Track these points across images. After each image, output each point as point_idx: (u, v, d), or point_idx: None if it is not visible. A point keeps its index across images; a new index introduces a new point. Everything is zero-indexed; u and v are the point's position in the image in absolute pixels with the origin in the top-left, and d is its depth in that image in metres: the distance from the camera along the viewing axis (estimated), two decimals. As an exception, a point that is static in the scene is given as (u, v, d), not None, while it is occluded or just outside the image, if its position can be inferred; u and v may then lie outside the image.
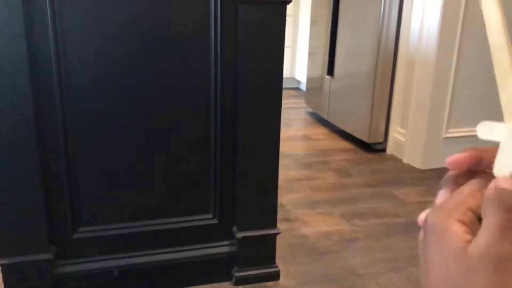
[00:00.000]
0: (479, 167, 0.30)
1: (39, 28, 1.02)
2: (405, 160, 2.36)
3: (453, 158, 0.31)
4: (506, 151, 0.28)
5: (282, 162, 2.35)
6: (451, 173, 0.32)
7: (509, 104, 0.29)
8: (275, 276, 1.35)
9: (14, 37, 0.98)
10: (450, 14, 2.08)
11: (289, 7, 3.81)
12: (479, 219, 0.27)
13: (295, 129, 2.90)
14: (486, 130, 0.30)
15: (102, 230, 1.20)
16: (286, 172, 2.19)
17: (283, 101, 1.22)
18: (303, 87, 4.09)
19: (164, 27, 1.10)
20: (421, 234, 0.30)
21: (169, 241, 1.26)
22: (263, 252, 1.33)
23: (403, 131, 2.38)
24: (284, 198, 1.91)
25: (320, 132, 2.86)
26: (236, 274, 1.31)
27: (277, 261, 1.43)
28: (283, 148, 2.59)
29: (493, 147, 0.29)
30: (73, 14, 1.04)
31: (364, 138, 2.49)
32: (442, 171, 2.09)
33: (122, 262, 1.23)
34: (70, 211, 1.16)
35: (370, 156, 2.45)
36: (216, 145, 1.22)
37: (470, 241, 0.26)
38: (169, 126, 1.18)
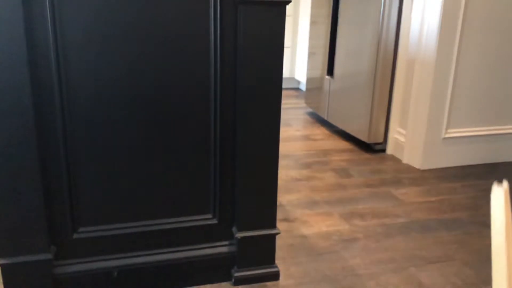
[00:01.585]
0: None
1: (39, 30, 1.02)
2: (404, 160, 2.36)
3: None
4: None
5: (281, 162, 2.36)
6: None
7: None
8: (275, 276, 1.35)
9: (14, 39, 0.98)
10: (450, 14, 2.08)
11: (289, 7, 3.82)
12: None
13: (294, 129, 2.90)
14: None
15: (102, 230, 1.20)
16: (285, 172, 2.19)
17: (282, 101, 1.23)
18: (303, 87, 4.09)
19: (163, 28, 1.10)
20: None
21: (168, 241, 1.26)
22: (262, 252, 1.33)
23: (402, 131, 2.38)
24: (283, 198, 1.91)
25: (320, 132, 2.86)
26: (235, 274, 1.31)
27: (276, 261, 1.43)
28: (283, 148, 2.60)
29: None
30: (73, 15, 1.04)
31: (364, 138, 2.49)
32: (441, 171, 2.10)
33: (122, 262, 1.23)
34: (69, 211, 1.16)
35: (369, 156, 2.45)
36: (216, 145, 1.22)
37: None
38: (169, 126, 1.18)
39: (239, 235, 1.28)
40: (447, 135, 2.25)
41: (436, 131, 2.23)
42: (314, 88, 3.09)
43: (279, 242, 1.56)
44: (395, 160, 2.39)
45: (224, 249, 1.31)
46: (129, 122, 1.14)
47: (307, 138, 2.74)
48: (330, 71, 2.84)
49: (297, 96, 3.84)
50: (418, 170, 2.26)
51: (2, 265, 1.13)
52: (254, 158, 1.23)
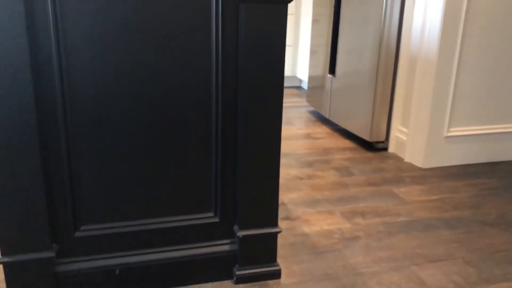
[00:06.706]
0: None
1: (41, 29, 1.02)
2: (406, 159, 2.35)
3: None
4: None
5: (283, 161, 2.36)
6: None
7: None
8: (276, 275, 1.35)
9: (15, 38, 0.99)
10: (452, 13, 2.08)
11: (291, 6, 3.82)
12: None
13: (296, 128, 2.90)
14: None
15: (104, 228, 1.21)
16: (287, 170, 2.19)
17: (284, 100, 1.23)
18: (305, 85, 4.09)
19: (165, 26, 1.10)
20: None
21: (170, 239, 1.27)
22: (264, 250, 1.33)
23: (404, 130, 2.38)
24: (285, 196, 1.91)
25: (322, 131, 2.86)
26: (237, 273, 1.32)
27: (278, 260, 1.43)
28: (285, 146, 2.60)
29: None
30: (74, 15, 1.04)
31: (366, 137, 2.49)
32: (443, 169, 2.09)
33: (124, 260, 1.23)
34: (71, 209, 1.17)
35: (371, 155, 2.45)
36: (217, 144, 1.22)
37: None
38: (170, 125, 1.18)
39: (241, 233, 1.28)
40: (449, 134, 2.25)
41: (438, 130, 2.23)
42: (316, 86, 3.09)
43: (280, 240, 1.57)
44: (397, 158, 2.39)
45: (225, 248, 1.31)
46: (131, 120, 1.15)
47: (308, 136, 2.74)
48: (332, 69, 2.83)
49: (299, 94, 3.84)
50: (420, 168, 2.25)
51: (5, 263, 1.14)
52: (256, 157, 1.23)
